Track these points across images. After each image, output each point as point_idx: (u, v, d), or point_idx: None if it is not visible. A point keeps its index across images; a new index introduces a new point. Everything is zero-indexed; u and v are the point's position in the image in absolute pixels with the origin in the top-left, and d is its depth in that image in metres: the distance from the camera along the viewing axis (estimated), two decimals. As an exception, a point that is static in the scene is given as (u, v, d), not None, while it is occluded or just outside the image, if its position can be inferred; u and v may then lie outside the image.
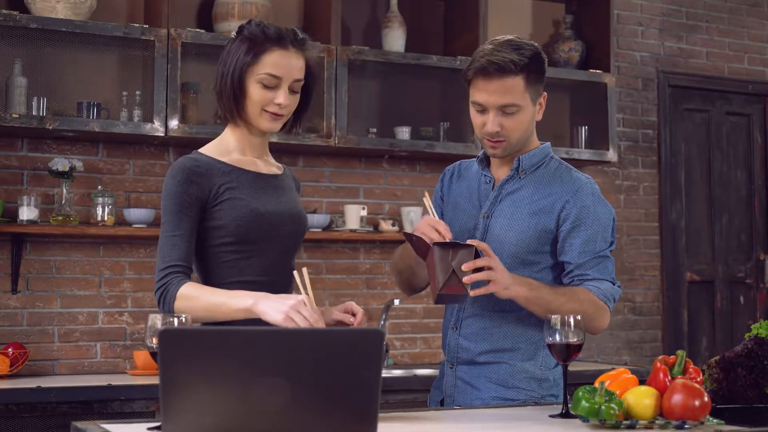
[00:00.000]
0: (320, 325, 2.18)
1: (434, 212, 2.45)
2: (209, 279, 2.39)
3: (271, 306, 2.20)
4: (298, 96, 2.45)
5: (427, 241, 2.36)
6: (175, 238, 2.32)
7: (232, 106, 2.40)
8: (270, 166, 2.52)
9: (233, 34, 2.46)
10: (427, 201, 2.48)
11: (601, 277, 2.47)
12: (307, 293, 2.25)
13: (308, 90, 2.49)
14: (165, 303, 2.28)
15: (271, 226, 2.39)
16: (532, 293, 2.38)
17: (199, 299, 2.27)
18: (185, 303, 2.26)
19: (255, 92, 2.38)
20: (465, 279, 2.29)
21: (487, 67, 2.44)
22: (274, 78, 2.38)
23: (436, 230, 2.37)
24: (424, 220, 2.42)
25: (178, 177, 2.34)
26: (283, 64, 2.39)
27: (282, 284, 2.44)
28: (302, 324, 2.16)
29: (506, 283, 2.34)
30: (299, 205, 2.53)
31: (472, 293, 2.32)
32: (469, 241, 2.34)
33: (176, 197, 2.33)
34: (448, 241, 2.35)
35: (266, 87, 2.38)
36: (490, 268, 2.31)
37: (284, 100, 2.39)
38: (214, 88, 2.45)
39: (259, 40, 2.39)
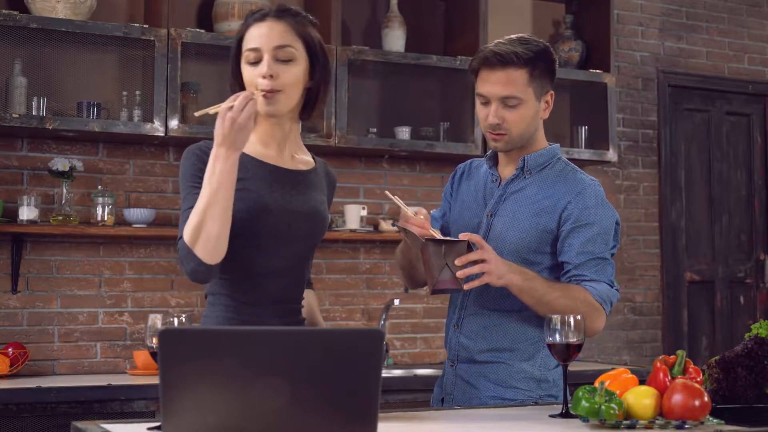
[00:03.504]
0: (244, 114, 2.12)
1: (404, 206, 2.43)
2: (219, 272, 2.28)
3: (219, 142, 2.16)
4: (292, 68, 2.29)
5: (418, 235, 2.38)
6: (188, 211, 2.22)
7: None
8: (296, 162, 2.42)
9: None
10: (394, 198, 2.48)
11: (598, 278, 2.47)
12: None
13: (313, 71, 2.34)
14: (185, 259, 2.18)
15: (279, 222, 2.31)
16: (526, 283, 2.38)
17: (197, 217, 2.15)
18: (191, 234, 2.15)
19: (246, 74, 2.31)
20: (458, 273, 2.30)
21: (490, 57, 2.48)
22: (254, 51, 2.28)
23: (414, 224, 2.38)
24: (401, 217, 2.42)
25: (191, 158, 2.30)
26: (259, 34, 2.29)
27: (292, 286, 2.38)
28: (233, 116, 2.12)
29: (500, 273, 2.34)
30: (320, 204, 2.42)
31: (466, 286, 2.34)
32: (461, 236, 2.35)
33: (188, 175, 2.28)
34: (440, 237, 2.35)
35: (252, 65, 2.29)
36: (483, 261, 2.32)
37: (266, 69, 2.25)
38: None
39: (242, 25, 2.35)
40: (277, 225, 2.31)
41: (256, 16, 2.34)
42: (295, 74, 2.31)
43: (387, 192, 2.54)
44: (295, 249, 2.36)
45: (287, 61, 2.29)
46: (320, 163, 2.51)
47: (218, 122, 2.15)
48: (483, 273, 2.32)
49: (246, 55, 2.30)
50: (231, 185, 2.17)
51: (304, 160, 2.45)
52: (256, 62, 2.29)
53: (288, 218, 2.33)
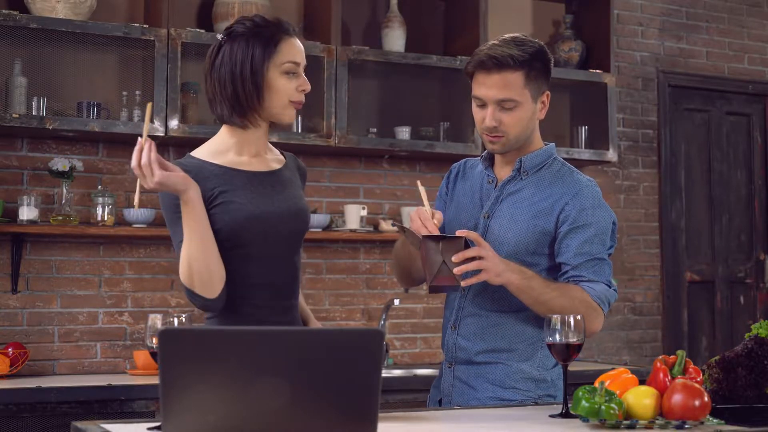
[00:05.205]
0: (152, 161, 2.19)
1: (427, 202, 2.44)
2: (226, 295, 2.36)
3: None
4: None
5: (416, 233, 2.38)
6: (182, 245, 2.31)
7: (255, 104, 2.36)
8: (269, 162, 2.47)
9: (220, 36, 2.41)
10: (422, 189, 2.46)
11: (596, 278, 2.46)
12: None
13: None
14: (191, 298, 2.30)
15: (268, 227, 2.36)
16: (524, 282, 2.38)
17: (184, 261, 2.27)
18: (186, 278, 2.27)
19: (281, 84, 2.37)
20: (455, 270, 2.30)
21: (486, 61, 2.47)
22: (296, 65, 2.39)
23: (424, 226, 2.37)
24: (415, 213, 2.41)
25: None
26: (298, 50, 2.41)
27: (286, 283, 2.42)
28: (142, 166, 2.20)
29: (498, 270, 2.34)
30: (300, 199, 2.47)
31: (463, 283, 2.34)
32: (458, 233, 2.34)
33: (169, 207, 2.33)
34: (437, 234, 2.36)
35: (289, 76, 2.38)
36: (480, 258, 2.32)
37: (308, 84, 2.41)
38: (219, 93, 2.37)
39: (268, 31, 2.37)
40: (267, 230, 2.37)
41: (279, 25, 2.41)
42: None
43: (418, 181, 2.52)
44: (284, 248, 2.42)
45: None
46: (290, 157, 2.57)
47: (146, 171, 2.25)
48: (481, 270, 2.32)
49: (288, 66, 2.38)
50: (199, 221, 2.26)
51: (275, 159, 2.51)
52: (291, 74, 2.39)
53: (274, 221, 2.38)
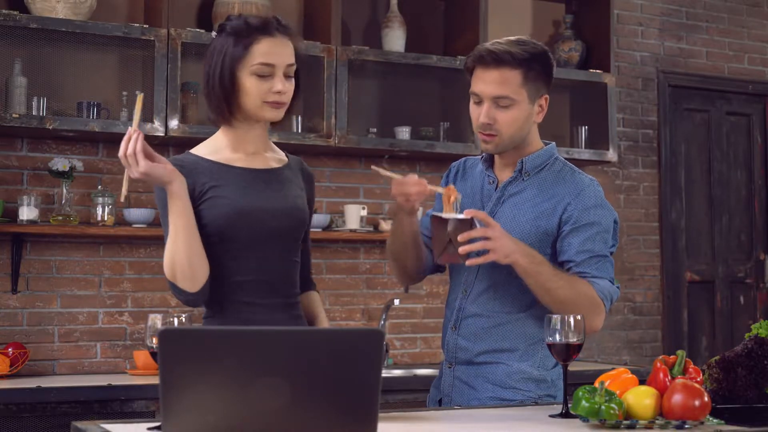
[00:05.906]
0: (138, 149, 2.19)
1: (394, 174, 2.47)
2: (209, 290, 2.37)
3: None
4: (293, 81, 2.41)
5: (414, 205, 2.44)
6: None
7: (222, 105, 2.36)
8: (267, 161, 2.46)
9: (214, 33, 2.42)
10: (380, 169, 2.51)
11: (599, 275, 2.46)
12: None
13: (297, 77, 2.45)
14: (174, 292, 2.34)
15: (257, 222, 2.35)
16: (532, 267, 2.38)
17: (168, 254, 2.29)
18: (169, 271, 2.30)
19: (251, 85, 2.34)
20: (460, 250, 2.32)
21: (485, 56, 2.47)
22: (268, 66, 2.34)
23: (411, 184, 2.41)
24: (394, 184, 2.43)
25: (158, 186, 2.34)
26: (274, 52, 2.36)
27: (280, 282, 2.41)
28: (128, 155, 2.19)
29: (507, 251, 2.34)
30: (297, 198, 2.45)
31: (468, 262, 2.35)
32: (466, 212, 2.35)
33: (162, 202, 2.33)
34: (444, 215, 2.38)
35: (261, 77, 2.34)
36: (487, 239, 2.32)
37: (282, 86, 2.35)
38: (203, 92, 2.41)
39: (244, 32, 2.35)
40: (255, 226, 2.36)
41: (258, 26, 2.37)
42: (293, 85, 2.42)
43: (373, 167, 2.55)
44: (276, 245, 2.40)
45: (290, 77, 2.40)
46: (294, 159, 2.55)
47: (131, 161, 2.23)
48: (489, 251, 2.33)
49: (258, 68, 2.35)
50: (183, 214, 2.27)
51: (275, 158, 2.50)
52: (264, 76, 2.35)
53: (265, 217, 2.37)
